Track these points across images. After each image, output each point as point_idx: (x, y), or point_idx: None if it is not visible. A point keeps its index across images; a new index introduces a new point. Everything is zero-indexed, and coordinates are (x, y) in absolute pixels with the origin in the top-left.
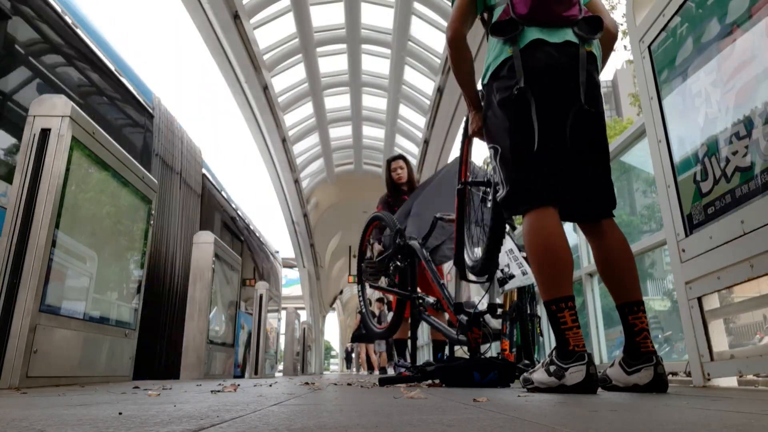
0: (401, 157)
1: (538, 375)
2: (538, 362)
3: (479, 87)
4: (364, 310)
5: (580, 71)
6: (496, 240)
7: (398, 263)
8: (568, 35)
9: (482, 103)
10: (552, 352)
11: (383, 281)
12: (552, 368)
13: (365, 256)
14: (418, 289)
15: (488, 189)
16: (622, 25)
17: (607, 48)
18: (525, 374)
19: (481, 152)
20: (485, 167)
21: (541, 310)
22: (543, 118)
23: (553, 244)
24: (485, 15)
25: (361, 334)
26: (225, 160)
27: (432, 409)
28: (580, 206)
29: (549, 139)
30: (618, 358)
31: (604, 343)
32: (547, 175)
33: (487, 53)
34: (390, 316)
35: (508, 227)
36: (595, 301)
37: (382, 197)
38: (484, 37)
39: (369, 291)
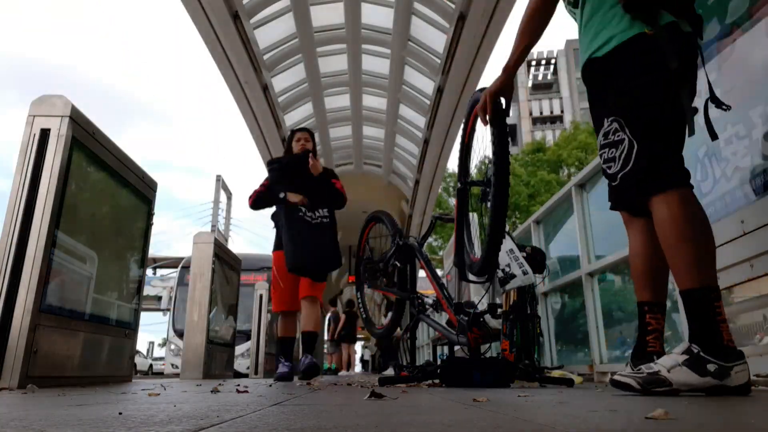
0: (308, 130)
1: (682, 376)
2: (538, 362)
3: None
4: (362, 310)
5: (703, 64)
6: (496, 240)
7: (397, 263)
8: (688, 26)
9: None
10: (690, 348)
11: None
12: (711, 367)
13: (363, 256)
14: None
15: (488, 188)
16: None
17: None
18: (641, 376)
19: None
20: (483, 166)
21: (541, 310)
22: (690, 101)
23: (709, 227)
24: None
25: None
26: (225, 160)
27: (432, 409)
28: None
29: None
30: (629, 358)
31: (603, 344)
32: (680, 155)
33: (602, 22)
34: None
35: (508, 227)
36: (595, 301)
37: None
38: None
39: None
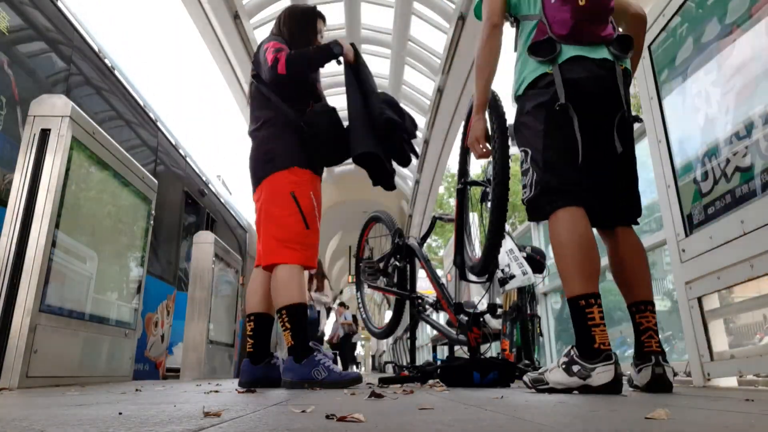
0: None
1: (556, 375)
2: (538, 362)
3: (511, 101)
4: (362, 310)
5: (619, 85)
6: (496, 240)
7: (397, 263)
8: (605, 53)
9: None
10: (570, 351)
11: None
12: (575, 368)
13: (363, 256)
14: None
15: (488, 188)
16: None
17: (640, 32)
18: (532, 375)
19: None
20: (483, 166)
21: (541, 311)
22: (587, 131)
23: (586, 240)
24: (510, 19)
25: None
26: (225, 160)
27: (432, 410)
28: (603, 212)
29: (586, 149)
30: (633, 359)
31: None
32: (577, 179)
33: (521, 66)
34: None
35: (508, 227)
36: None
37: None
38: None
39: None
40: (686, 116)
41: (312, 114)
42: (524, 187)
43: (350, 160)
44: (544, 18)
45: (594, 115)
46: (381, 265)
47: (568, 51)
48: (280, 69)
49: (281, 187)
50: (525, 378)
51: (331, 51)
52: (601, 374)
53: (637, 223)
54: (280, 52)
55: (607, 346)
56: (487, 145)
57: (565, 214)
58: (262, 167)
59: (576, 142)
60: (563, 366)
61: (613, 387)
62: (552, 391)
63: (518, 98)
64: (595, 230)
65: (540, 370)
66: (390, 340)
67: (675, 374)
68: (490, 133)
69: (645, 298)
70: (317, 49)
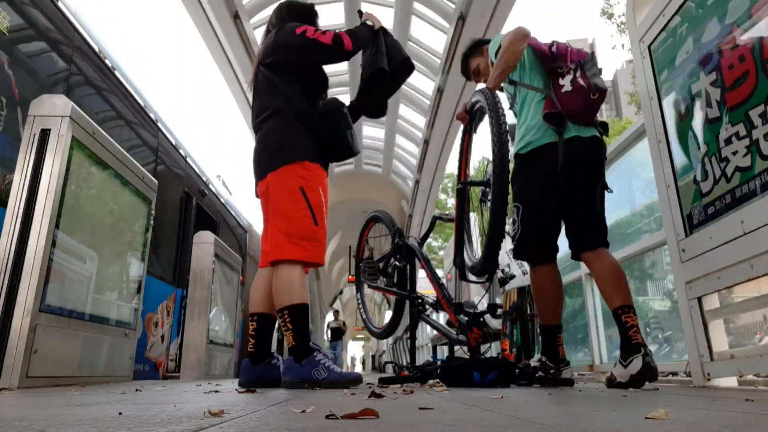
0: None
1: (618, 371)
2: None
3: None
4: (361, 309)
5: (604, 158)
6: (495, 240)
7: (397, 263)
8: (593, 131)
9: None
10: (540, 358)
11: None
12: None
13: (363, 256)
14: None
15: (488, 188)
16: (621, 25)
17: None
18: (609, 375)
19: (480, 151)
20: (483, 166)
21: None
22: (570, 193)
23: (558, 289)
24: (508, 81)
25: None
26: (224, 160)
27: (432, 409)
28: (577, 245)
29: (567, 208)
30: (617, 358)
31: (604, 344)
32: (549, 245)
33: (528, 127)
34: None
35: (508, 227)
36: (595, 301)
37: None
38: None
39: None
40: (686, 116)
41: (325, 107)
42: (512, 235)
43: (351, 160)
44: (553, 97)
45: (580, 180)
46: (381, 265)
47: (571, 129)
48: (348, 45)
49: (290, 181)
50: (606, 379)
51: (373, 28)
52: (565, 373)
53: (606, 246)
54: (335, 33)
55: (564, 356)
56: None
57: (545, 271)
58: (269, 158)
59: (557, 209)
60: (539, 368)
61: (571, 382)
62: (622, 385)
63: (521, 156)
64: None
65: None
66: (390, 340)
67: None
68: (489, 126)
69: (624, 303)
70: (367, 32)
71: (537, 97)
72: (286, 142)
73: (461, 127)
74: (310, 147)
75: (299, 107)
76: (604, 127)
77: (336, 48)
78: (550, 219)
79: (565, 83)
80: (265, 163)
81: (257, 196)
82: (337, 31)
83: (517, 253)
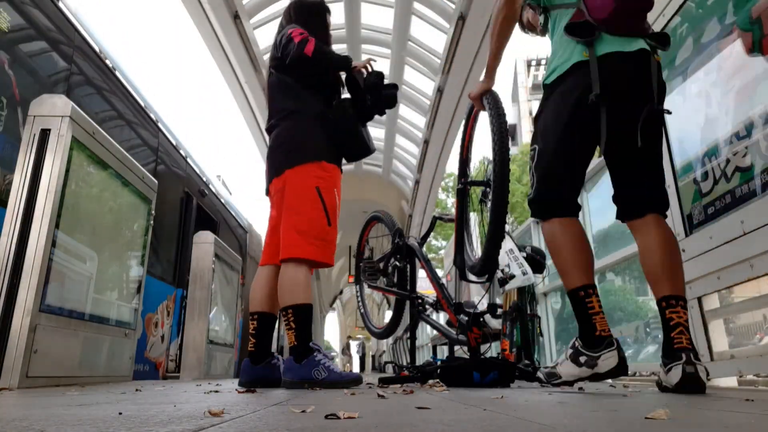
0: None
1: (566, 368)
2: (538, 362)
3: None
4: (362, 311)
5: (653, 77)
6: (496, 240)
7: (397, 263)
8: (642, 44)
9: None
10: (574, 343)
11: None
12: (582, 359)
13: (363, 256)
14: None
15: (488, 188)
16: None
17: None
18: (546, 370)
19: (481, 151)
20: (483, 166)
21: (541, 311)
22: (612, 126)
23: (579, 238)
24: (538, 8)
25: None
26: (224, 160)
27: (432, 409)
28: (630, 202)
29: (612, 143)
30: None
31: None
32: (573, 195)
33: (554, 51)
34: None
35: (508, 227)
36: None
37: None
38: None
39: None
40: (686, 116)
41: (340, 107)
42: (531, 185)
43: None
44: (583, 5)
45: (624, 108)
46: (381, 265)
47: (606, 42)
48: (307, 51)
49: (307, 180)
50: (539, 374)
51: (348, 64)
52: (607, 360)
53: (665, 215)
54: (309, 37)
55: (608, 332)
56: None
57: (557, 224)
58: (286, 157)
59: (589, 146)
60: (571, 357)
61: (619, 370)
62: (565, 383)
63: (547, 86)
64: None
65: (552, 364)
66: (390, 340)
67: (708, 375)
68: (490, 126)
69: (675, 293)
70: (339, 56)
71: (566, 14)
72: (303, 141)
73: (461, 126)
74: (326, 147)
75: (315, 107)
76: (660, 39)
77: (298, 47)
78: (573, 166)
79: None
80: (281, 161)
81: (268, 194)
82: (319, 42)
83: (533, 211)
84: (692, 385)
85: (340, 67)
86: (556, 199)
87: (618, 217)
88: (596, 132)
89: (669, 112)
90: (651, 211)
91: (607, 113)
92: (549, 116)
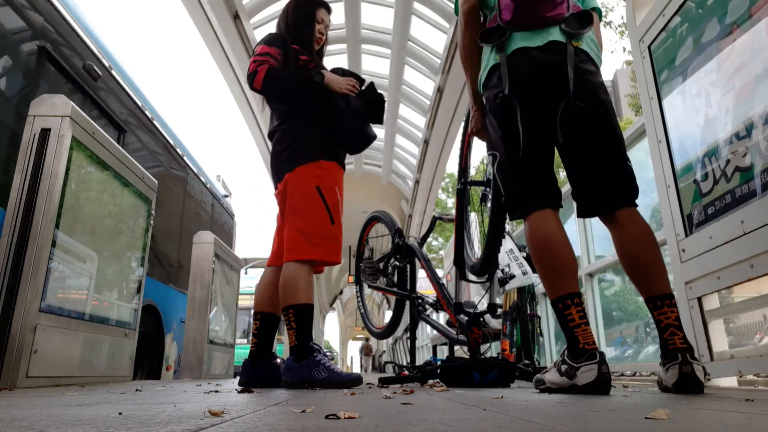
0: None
1: (550, 375)
2: (538, 362)
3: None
4: (362, 311)
5: (569, 67)
6: (495, 240)
7: (397, 263)
8: (553, 35)
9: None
10: (564, 351)
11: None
12: (564, 368)
13: (363, 256)
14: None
15: (488, 188)
16: (620, 27)
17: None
18: (537, 375)
19: (480, 151)
20: (483, 166)
21: (541, 310)
22: (529, 123)
23: (555, 243)
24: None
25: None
26: (225, 160)
27: (432, 409)
28: (591, 199)
29: (539, 141)
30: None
31: (604, 344)
32: (540, 179)
33: (481, 63)
34: None
35: (507, 227)
36: (595, 301)
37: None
38: None
39: None
40: (686, 116)
41: (330, 100)
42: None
43: (351, 160)
44: (497, 6)
45: (536, 104)
46: (381, 265)
47: (516, 40)
48: (256, 83)
49: (306, 180)
50: (534, 378)
51: (311, 79)
52: (585, 373)
53: (635, 204)
54: (262, 64)
55: (591, 345)
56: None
57: (531, 220)
58: (284, 162)
59: (520, 138)
60: (557, 366)
61: (596, 386)
62: (550, 390)
63: (481, 95)
64: (598, 220)
65: (543, 371)
66: (390, 340)
67: (706, 374)
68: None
69: (660, 292)
70: (298, 73)
71: (489, 17)
72: (300, 143)
73: (461, 126)
74: (324, 145)
75: (309, 107)
76: (580, 19)
77: (248, 80)
78: (533, 161)
79: None
80: (281, 165)
81: (276, 197)
82: (270, 63)
83: (511, 210)
84: (690, 384)
85: (300, 86)
86: (529, 191)
87: (579, 214)
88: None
89: (585, 105)
90: (619, 206)
91: (520, 112)
92: (489, 124)
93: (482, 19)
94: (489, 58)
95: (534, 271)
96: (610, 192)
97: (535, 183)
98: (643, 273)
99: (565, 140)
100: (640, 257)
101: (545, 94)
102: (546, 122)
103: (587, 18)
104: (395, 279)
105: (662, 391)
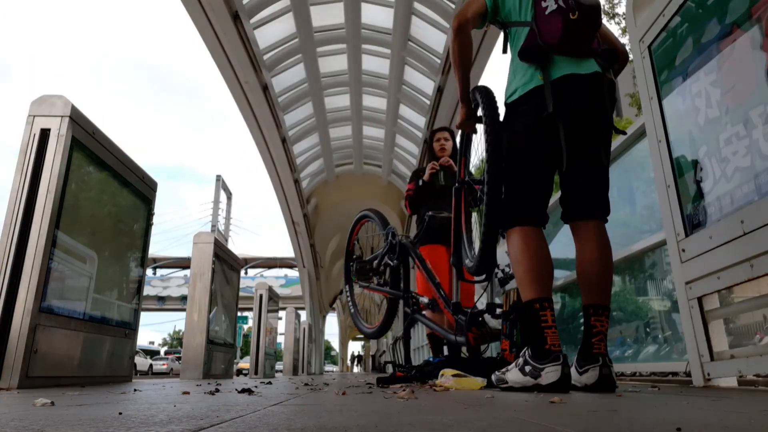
0: (447, 129)
1: (513, 375)
2: None
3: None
4: (352, 311)
5: (605, 97)
6: (491, 239)
7: (390, 262)
8: (594, 66)
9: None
10: (524, 352)
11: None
12: (527, 368)
13: (353, 255)
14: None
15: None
16: (620, 23)
17: (620, 68)
18: (497, 374)
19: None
20: (483, 165)
21: None
22: (570, 142)
23: (541, 251)
24: (498, 24)
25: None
26: (224, 159)
27: (432, 409)
28: (573, 207)
29: (552, 163)
30: (575, 359)
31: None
32: (541, 200)
33: (513, 73)
34: None
35: None
36: None
37: (415, 171)
38: (483, 37)
39: None
40: (686, 116)
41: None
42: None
43: (351, 159)
44: (535, 26)
45: (580, 125)
46: (374, 264)
47: (561, 65)
48: (408, 211)
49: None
50: (492, 377)
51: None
52: (549, 373)
53: (606, 220)
54: (408, 194)
55: (557, 347)
56: (473, 123)
57: (519, 232)
58: None
59: (549, 163)
60: (519, 366)
61: (561, 384)
62: (511, 389)
63: (508, 105)
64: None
65: (503, 369)
66: (390, 339)
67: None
68: (483, 123)
69: (603, 302)
70: (413, 194)
71: (523, 32)
72: None
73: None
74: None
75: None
76: (606, 58)
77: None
78: (537, 180)
79: (549, 3)
80: None
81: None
82: (408, 195)
83: (505, 221)
84: (608, 384)
85: (416, 196)
86: (522, 209)
87: (563, 218)
88: (555, 149)
89: (624, 133)
90: (595, 217)
91: (564, 130)
92: (512, 135)
93: (483, 24)
94: (531, 75)
95: None
96: (599, 203)
97: (536, 202)
98: (592, 283)
99: (569, 163)
100: (595, 269)
101: (586, 116)
102: (585, 141)
103: (615, 55)
104: (389, 278)
105: (576, 391)
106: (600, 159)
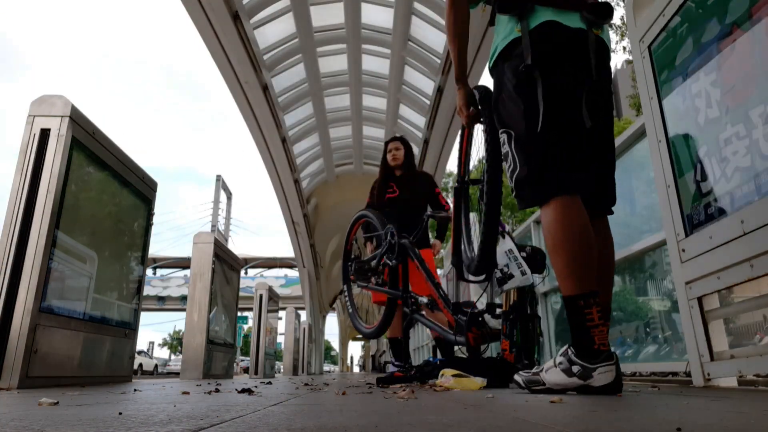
0: (398, 138)
1: (554, 376)
2: (538, 363)
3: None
4: (350, 310)
5: (591, 55)
6: (491, 239)
7: (389, 262)
8: (577, 21)
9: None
10: (567, 350)
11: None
12: (575, 368)
13: (351, 255)
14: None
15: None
16: (621, 27)
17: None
18: (525, 375)
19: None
20: (483, 164)
21: (541, 311)
22: (552, 98)
23: (586, 236)
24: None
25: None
26: (224, 159)
27: (432, 409)
28: (593, 197)
29: (565, 119)
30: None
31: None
32: (569, 160)
33: (495, 35)
34: None
35: (508, 227)
36: None
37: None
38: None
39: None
40: (686, 116)
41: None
42: (514, 168)
43: (351, 159)
44: None
45: (561, 78)
46: (373, 263)
47: (539, 13)
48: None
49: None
50: (518, 378)
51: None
52: (603, 374)
53: (611, 212)
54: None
55: (607, 346)
56: (474, 109)
57: (561, 206)
58: None
59: (553, 112)
60: (561, 367)
61: (614, 387)
62: (549, 391)
63: (492, 70)
64: None
65: (534, 370)
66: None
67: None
68: (482, 122)
69: (606, 299)
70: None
71: None
72: None
73: (460, 125)
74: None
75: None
76: (601, 10)
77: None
78: (559, 136)
79: None
80: None
81: None
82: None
83: (527, 196)
84: (618, 385)
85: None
86: (551, 173)
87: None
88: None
89: (607, 94)
90: (607, 213)
91: (543, 84)
92: (506, 100)
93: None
94: (510, 29)
95: (534, 272)
96: (598, 197)
97: (566, 164)
98: (601, 287)
99: (588, 127)
100: (610, 273)
101: (568, 70)
102: (571, 101)
103: (608, 10)
104: (387, 278)
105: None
106: (600, 133)
